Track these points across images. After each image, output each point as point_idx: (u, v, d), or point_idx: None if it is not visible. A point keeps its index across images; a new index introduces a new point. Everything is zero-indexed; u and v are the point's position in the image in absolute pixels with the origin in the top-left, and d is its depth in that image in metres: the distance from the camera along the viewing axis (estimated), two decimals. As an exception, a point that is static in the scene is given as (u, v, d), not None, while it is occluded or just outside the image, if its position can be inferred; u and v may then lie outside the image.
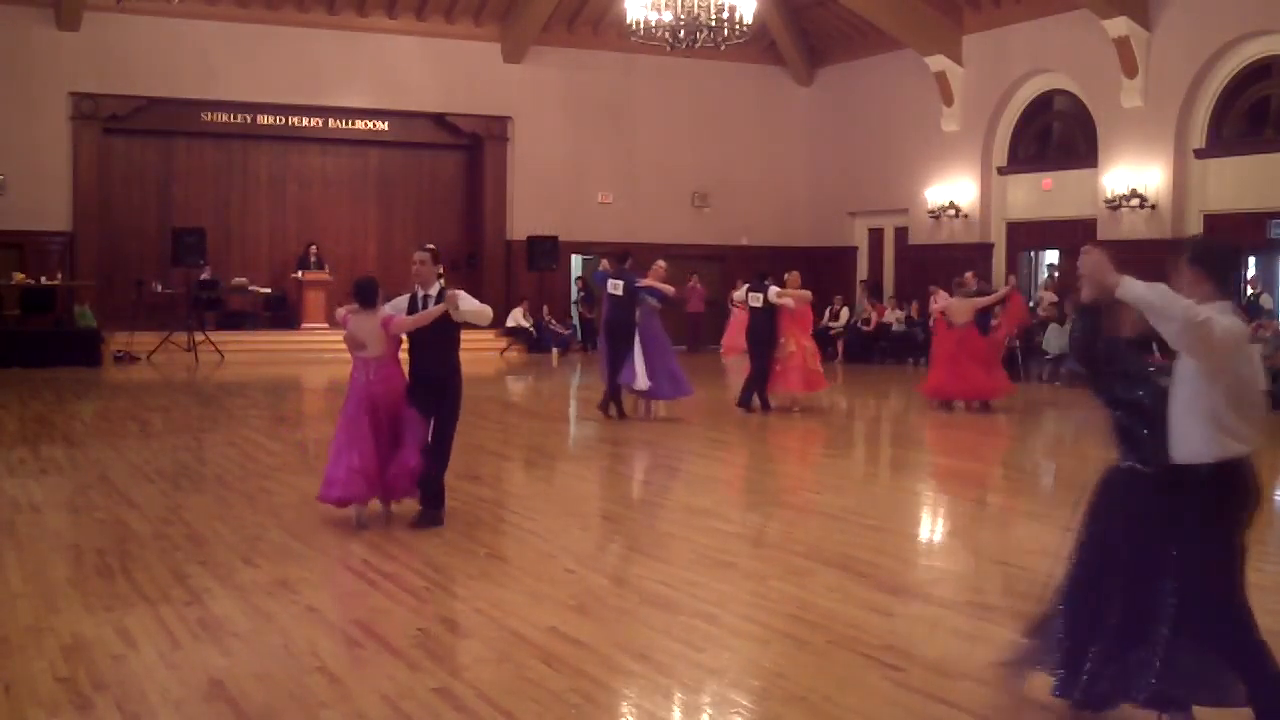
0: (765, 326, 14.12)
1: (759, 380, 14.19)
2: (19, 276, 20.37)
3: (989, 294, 15.74)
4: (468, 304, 7.75)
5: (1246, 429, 4.16)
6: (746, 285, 14.31)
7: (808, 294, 14.37)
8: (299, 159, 24.24)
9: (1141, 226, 18.91)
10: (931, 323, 16.26)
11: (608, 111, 24.93)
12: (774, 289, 14.03)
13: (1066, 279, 20.37)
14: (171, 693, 4.80)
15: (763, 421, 14.03)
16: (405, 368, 7.97)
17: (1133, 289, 4.15)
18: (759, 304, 14.11)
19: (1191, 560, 4.19)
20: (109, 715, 4.57)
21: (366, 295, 7.87)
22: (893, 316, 22.48)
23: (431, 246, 8.05)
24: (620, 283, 13.44)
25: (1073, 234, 20.57)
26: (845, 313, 23.21)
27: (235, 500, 8.73)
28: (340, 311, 8.06)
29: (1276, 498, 10.56)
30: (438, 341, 7.81)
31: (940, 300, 15.12)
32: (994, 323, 15.50)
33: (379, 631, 5.57)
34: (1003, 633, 5.71)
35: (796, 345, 14.08)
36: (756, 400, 14.23)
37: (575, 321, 24.82)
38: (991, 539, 8.25)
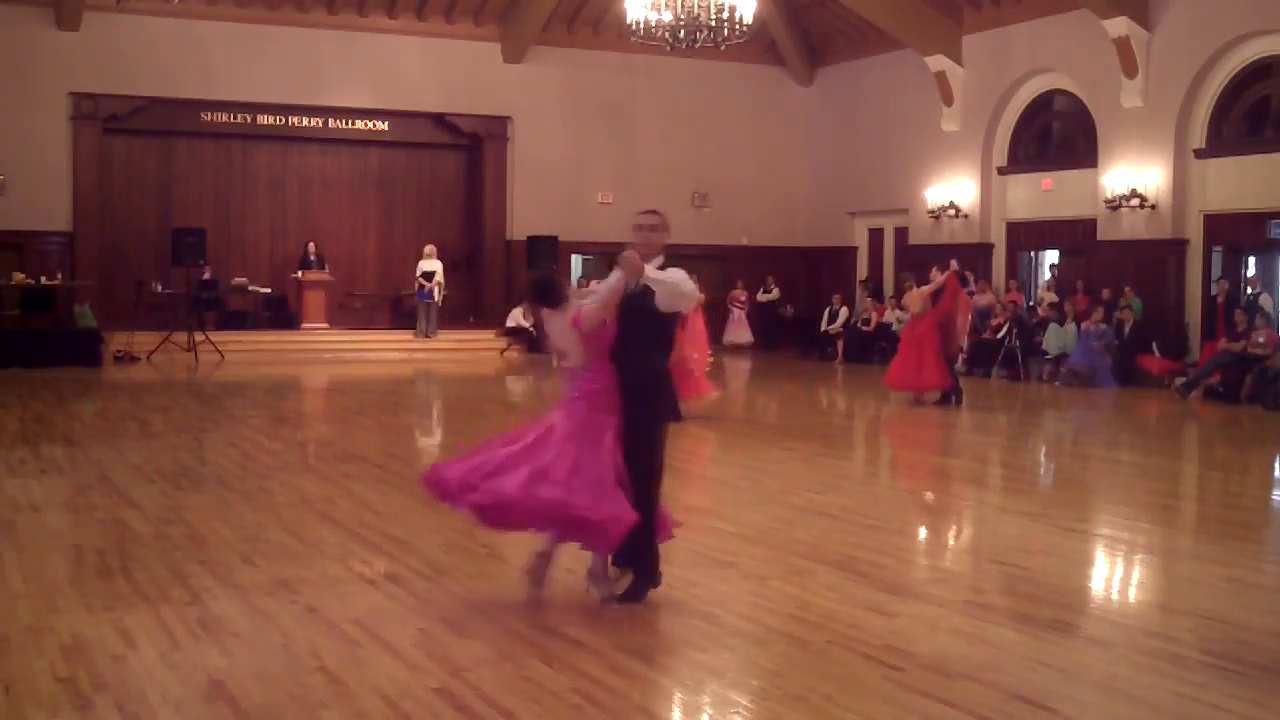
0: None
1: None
2: (19, 276, 20.37)
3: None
4: (659, 274, 6.08)
5: None
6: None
7: (699, 295, 14.09)
8: (299, 159, 24.24)
9: (1141, 226, 18.91)
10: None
11: (608, 111, 24.93)
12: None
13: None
14: (171, 693, 4.80)
15: (761, 421, 14.04)
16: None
17: None
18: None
19: None
20: (109, 715, 4.57)
21: (545, 294, 6.31)
22: (893, 316, 22.46)
23: (657, 211, 6.58)
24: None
25: (1073, 234, 20.60)
26: (844, 312, 23.20)
27: (235, 500, 8.73)
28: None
29: (1275, 497, 10.58)
30: (635, 340, 6.14)
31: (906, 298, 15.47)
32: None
33: (379, 631, 5.57)
34: (1003, 633, 5.71)
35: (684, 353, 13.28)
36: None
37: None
38: (991, 539, 8.25)
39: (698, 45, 17.52)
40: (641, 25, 17.20)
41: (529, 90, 24.42)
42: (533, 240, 23.64)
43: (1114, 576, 7.28)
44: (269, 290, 23.27)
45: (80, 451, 10.95)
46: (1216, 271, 18.41)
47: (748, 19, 17.23)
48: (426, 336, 22.85)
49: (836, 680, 5.00)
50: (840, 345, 22.65)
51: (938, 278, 15.36)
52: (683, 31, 17.10)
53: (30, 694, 4.77)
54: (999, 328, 19.63)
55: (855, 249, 25.41)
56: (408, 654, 5.27)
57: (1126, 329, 18.23)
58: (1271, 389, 15.35)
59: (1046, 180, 21.12)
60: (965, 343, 17.02)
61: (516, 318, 23.34)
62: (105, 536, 7.52)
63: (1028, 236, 21.88)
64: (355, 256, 24.54)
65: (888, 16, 22.24)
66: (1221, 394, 15.93)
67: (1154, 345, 18.13)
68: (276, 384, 17.98)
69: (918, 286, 15.40)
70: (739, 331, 25.05)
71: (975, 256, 21.81)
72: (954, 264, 15.92)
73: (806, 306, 25.12)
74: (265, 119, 23.31)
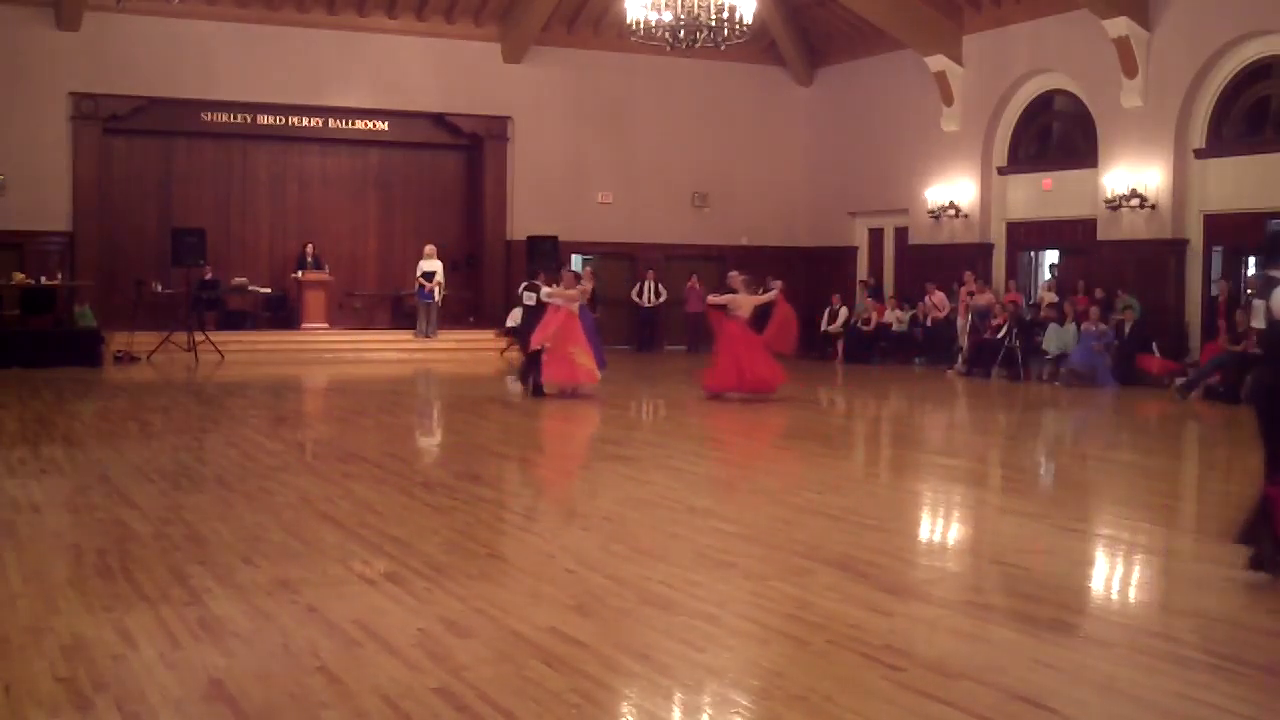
0: (535, 322, 15.54)
1: (534, 367, 15.48)
2: (19, 276, 20.36)
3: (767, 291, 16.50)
4: None
5: None
6: (523, 284, 16.27)
7: (575, 293, 15.64)
8: (299, 159, 24.24)
9: (1141, 226, 18.91)
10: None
11: (608, 111, 24.93)
12: (545, 289, 15.60)
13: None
14: (171, 693, 4.79)
15: (761, 422, 14.05)
16: None
17: None
18: (532, 303, 15.78)
19: None
20: (109, 715, 4.57)
21: None
22: (892, 316, 22.48)
23: None
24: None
25: (1073, 234, 20.60)
26: (844, 312, 23.17)
27: (235, 500, 8.72)
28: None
29: (1276, 498, 10.57)
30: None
31: (723, 298, 16.00)
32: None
33: (379, 631, 5.57)
34: (1003, 633, 5.71)
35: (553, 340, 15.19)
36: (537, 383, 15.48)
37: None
38: (991, 539, 8.25)
39: (698, 45, 17.51)
40: (641, 25, 17.19)
41: (529, 90, 24.42)
42: (533, 240, 23.64)
43: (1114, 576, 7.27)
44: (269, 290, 23.27)
45: (80, 451, 10.95)
46: (1216, 271, 18.41)
47: (748, 19, 17.22)
48: (426, 336, 22.85)
49: (836, 680, 5.00)
50: (840, 345, 22.65)
51: (772, 292, 16.09)
52: (683, 31, 17.09)
53: (30, 694, 4.77)
54: (999, 328, 19.63)
55: (855, 249, 25.41)
56: (408, 654, 5.26)
57: (1126, 329, 18.23)
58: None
59: (1046, 180, 21.11)
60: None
61: (516, 318, 23.34)
62: (105, 536, 7.52)
63: (1028, 236, 21.88)
64: (355, 256, 24.53)
65: (888, 16, 22.23)
66: (1221, 394, 15.93)
67: (1154, 345, 18.11)
68: (276, 384, 17.98)
69: (745, 282, 15.94)
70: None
71: (975, 256, 21.82)
72: (780, 284, 16.82)
73: (806, 306, 25.05)
74: (265, 119, 23.30)
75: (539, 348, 15.26)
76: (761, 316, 15.99)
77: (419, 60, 23.69)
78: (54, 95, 21.50)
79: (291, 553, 7.15)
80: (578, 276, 17.03)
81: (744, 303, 15.63)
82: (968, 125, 22.18)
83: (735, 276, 16.45)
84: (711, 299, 16.32)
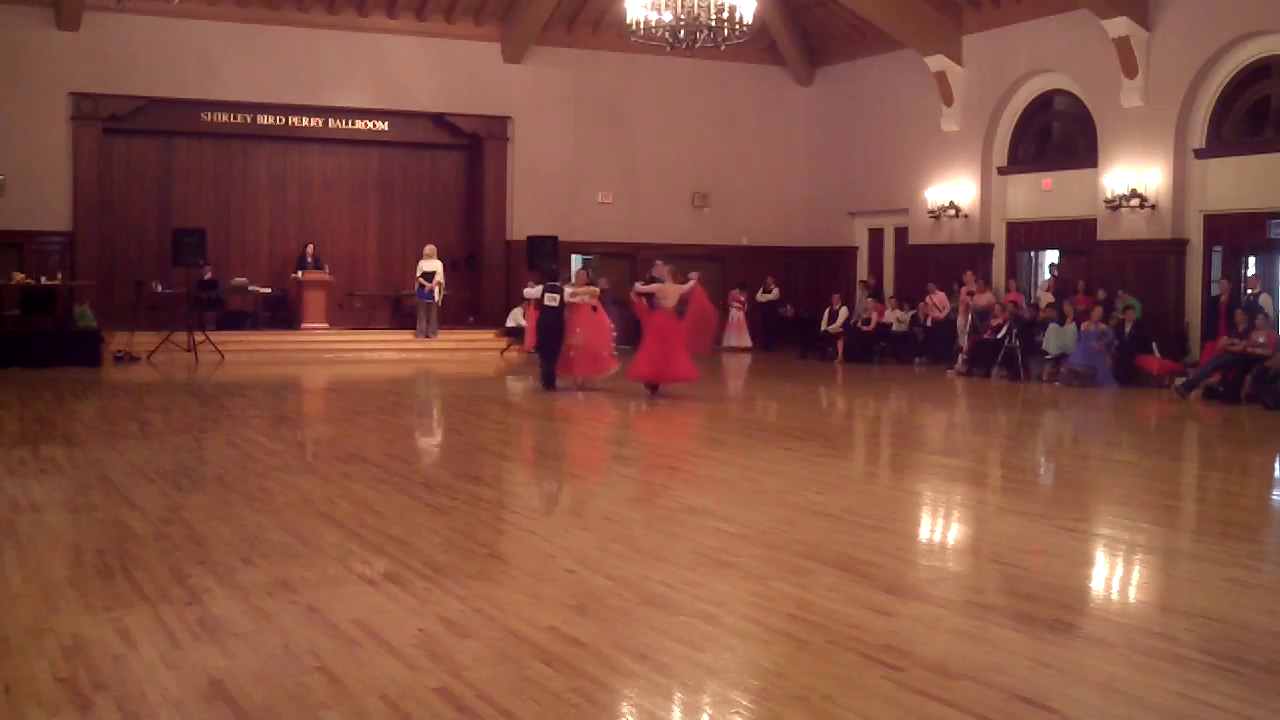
0: (556, 322, 16.08)
1: (550, 366, 16.23)
2: (19, 276, 20.36)
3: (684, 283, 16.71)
4: None
5: None
6: (541, 286, 16.51)
7: (596, 289, 16.53)
8: (299, 159, 24.24)
9: (1141, 226, 18.92)
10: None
11: (608, 111, 24.93)
12: (568, 289, 16.20)
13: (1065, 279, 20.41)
14: (171, 693, 4.80)
15: (761, 422, 14.05)
16: None
17: None
18: (554, 303, 16.06)
19: None
20: (109, 715, 4.57)
21: None
22: (892, 316, 22.47)
23: None
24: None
25: (1073, 234, 20.61)
26: (844, 312, 23.16)
27: (235, 500, 8.73)
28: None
29: (1275, 497, 10.58)
30: None
31: (650, 287, 16.49)
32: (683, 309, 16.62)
33: (379, 631, 5.57)
34: (1003, 633, 5.71)
35: (584, 338, 16.07)
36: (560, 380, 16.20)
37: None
38: (991, 539, 8.25)
39: (698, 45, 17.49)
40: (641, 25, 17.17)
41: (529, 90, 24.42)
42: (533, 240, 23.62)
43: (1114, 576, 7.28)
44: (269, 290, 23.27)
45: (80, 451, 10.95)
46: (1216, 272, 18.41)
47: (748, 19, 17.20)
48: (426, 336, 22.85)
49: (836, 680, 5.00)
50: (840, 345, 22.64)
51: (690, 283, 16.26)
52: (683, 31, 17.07)
53: (30, 694, 4.77)
54: (999, 328, 19.63)
55: (855, 249, 25.41)
56: (408, 654, 5.26)
57: (1127, 329, 18.23)
58: (1271, 389, 15.34)
59: (1046, 180, 21.12)
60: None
61: (516, 318, 23.35)
62: (105, 536, 7.52)
63: (1028, 236, 21.88)
64: (355, 256, 24.53)
65: (888, 16, 22.24)
66: (1221, 394, 15.93)
67: (1154, 345, 18.12)
68: (276, 384, 17.98)
69: (670, 272, 16.44)
70: (739, 334, 24.87)
71: (975, 256, 21.82)
72: (695, 275, 16.75)
73: (806, 306, 25.12)
74: (265, 119, 23.31)
75: (564, 348, 16.01)
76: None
77: (419, 60, 23.70)
78: (54, 95, 21.50)
79: (291, 553, 7.15)
80: (589, 276, 17.39)
81: (670, 292, 15.90)
82: (968, 125, 22.19)
83: (660, 266, 16.73)
84: (638, 288, 16.63)
